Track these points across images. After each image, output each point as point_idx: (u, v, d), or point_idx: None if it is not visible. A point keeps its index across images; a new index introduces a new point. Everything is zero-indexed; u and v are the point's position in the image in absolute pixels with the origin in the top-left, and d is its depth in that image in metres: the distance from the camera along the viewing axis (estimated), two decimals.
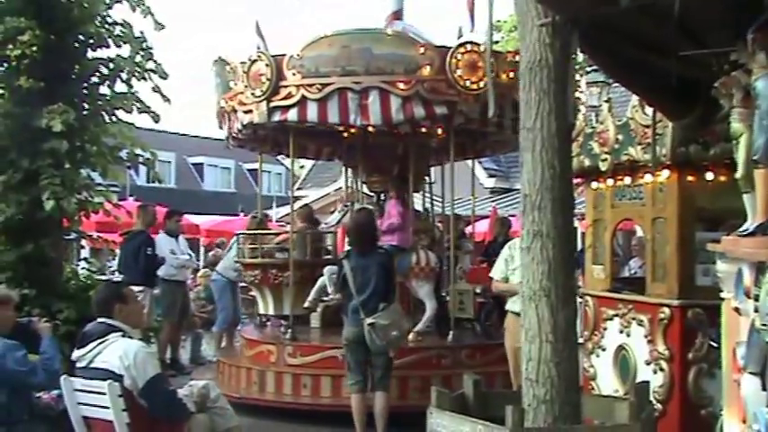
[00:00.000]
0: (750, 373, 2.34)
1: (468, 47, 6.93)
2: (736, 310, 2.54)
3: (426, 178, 9.06)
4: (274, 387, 7.15)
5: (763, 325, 2.01)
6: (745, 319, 2.42)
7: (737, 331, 2.55)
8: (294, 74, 6.99)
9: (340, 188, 9.69)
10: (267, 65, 7.03)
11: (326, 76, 6.91)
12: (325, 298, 7.76)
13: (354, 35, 7.08)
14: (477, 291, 7.48)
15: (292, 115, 7.04)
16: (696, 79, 2.80)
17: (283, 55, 7.11)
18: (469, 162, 14.77)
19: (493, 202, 15.96)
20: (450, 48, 6.93)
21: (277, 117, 7.10)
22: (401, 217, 7.50)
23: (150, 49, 7.63)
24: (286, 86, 7.02)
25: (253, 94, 7.14)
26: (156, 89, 7.67)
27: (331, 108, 6.89)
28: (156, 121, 7.89)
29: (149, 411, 3.83)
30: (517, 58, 6.58)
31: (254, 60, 7.17)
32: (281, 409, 6.80)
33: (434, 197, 9.52)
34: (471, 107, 6.90)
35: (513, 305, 5.71)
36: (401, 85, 6.82)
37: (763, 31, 1.92)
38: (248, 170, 33.49)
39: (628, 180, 5.17)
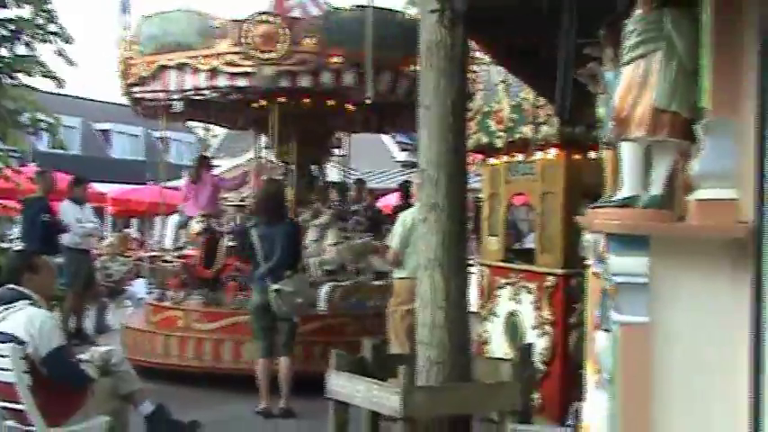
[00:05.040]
0: (603, 329, 2.65)
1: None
2: (596, 274, 2.85)
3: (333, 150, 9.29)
4: (178, 351, 7.23)
5: (608, 285, 2.29)
6: (601, 282, 2.73)
7: (597, 294, 2.86)
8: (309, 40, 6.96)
9: (252, 159, 9.71)
10: (281, 27, 6.92)
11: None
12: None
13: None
14: None
15: (306, 82, 7.02)
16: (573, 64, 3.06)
17: (299, 18, 7.13)
18: (383, 136, 14.94)
19: (404, 175, 16.28)
20: None
21: (285, 83, 7.03)
22: (187, 190, 8.73)
23: (53, 11, 7.48)
24: (299, 52, 6.95)
25: (257, 56, 6.93)
26: (61, 52, 7.53)
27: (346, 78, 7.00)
28: (61, 87, 7.76)
29: (50, 378, 3.88)
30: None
31: (262, 21, 6.97)
32: (186, 374, 6.86)
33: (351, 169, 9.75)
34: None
35: (398, 272, 6.17)
36: None
37: (611, 28, 2.19)
38: (159, 138, 32.61)
39: (521, 157, 5.49)
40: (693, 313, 1.89)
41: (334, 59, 6.90)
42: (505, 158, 5.68)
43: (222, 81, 7.03)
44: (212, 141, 26.06)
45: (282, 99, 7.46)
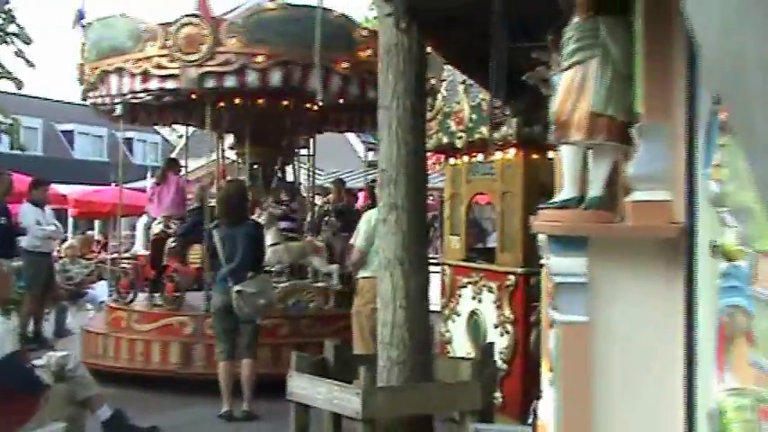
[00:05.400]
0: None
1: None
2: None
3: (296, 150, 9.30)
4: (114, 353, 7.23)
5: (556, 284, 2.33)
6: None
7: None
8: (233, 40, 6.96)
9: (215, 159, 9.64)
10: (204, 29, 6.94)
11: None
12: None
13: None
14: None
15: (231, 82, 7.02)
16: (521, 68, 3.11)
17: (222, 19, 7.11)
18: (349, 136, 14.77)
19: (371, 174, 16.29)
20: None
21: (211, 83, 7.03)
22: (152, 192, 8.98)
23: (12, 11, 7.37)
24: (223, 52, 6.97)
25: (182, 58, 6.97)
26: (20, 54, 7.43)
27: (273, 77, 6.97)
28: (19, 88, 7.66)
29: (2, 385, 3.82)
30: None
31: (186, 23, 7.00)
32: (145, 377, 6.78)
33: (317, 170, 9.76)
34: None
35: (362, 271, 6.11)
36: None
37: (558, 34, 2.24)
38: (123, 139, 32.12)
39: (481, 157, 5.54)
40: (631, 313, 1.94)
41: (258, 59, 6.91)
42: (466, 158, 5.73)
43: (154, 84, 7.10)
44: (177, 142, 25.76)
45: (238, 100, 7.47)
